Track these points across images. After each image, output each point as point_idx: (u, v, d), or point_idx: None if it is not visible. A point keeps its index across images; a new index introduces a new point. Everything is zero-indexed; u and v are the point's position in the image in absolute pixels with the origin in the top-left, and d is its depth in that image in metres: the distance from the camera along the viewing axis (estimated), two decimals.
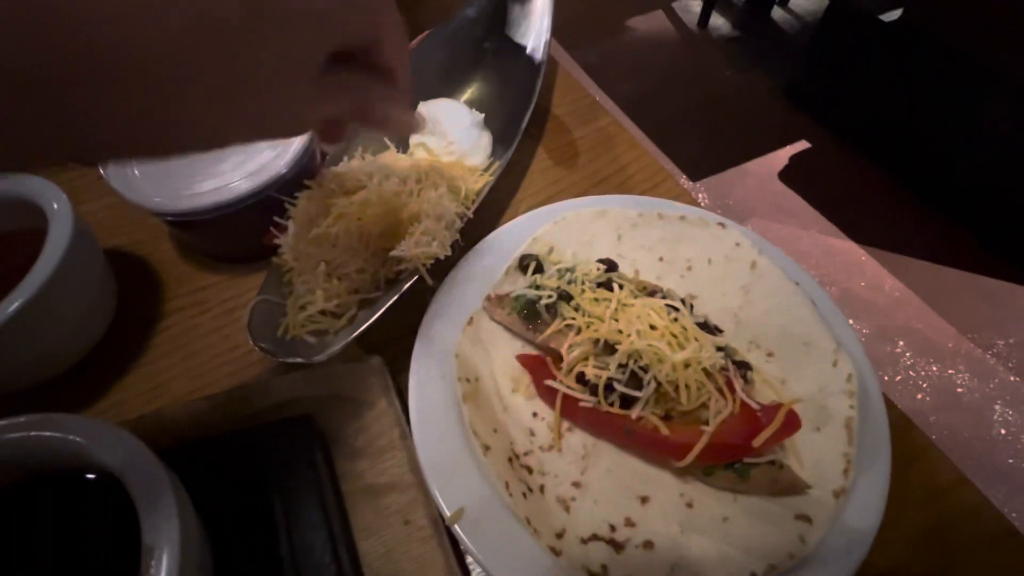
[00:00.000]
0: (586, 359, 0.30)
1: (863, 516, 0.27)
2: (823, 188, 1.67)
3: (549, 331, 0.31)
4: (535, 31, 0.50)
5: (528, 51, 0.49)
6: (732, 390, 0.29)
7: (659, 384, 0.28)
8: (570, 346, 0.30)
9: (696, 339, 0.29)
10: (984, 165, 1.40)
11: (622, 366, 0.28)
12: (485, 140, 0.44)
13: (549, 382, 0.31)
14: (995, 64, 1.26)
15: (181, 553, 0.20)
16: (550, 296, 0.32)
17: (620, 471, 0.29)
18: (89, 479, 0.23)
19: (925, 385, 1.31)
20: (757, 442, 0.26)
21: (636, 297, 0.32)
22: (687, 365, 0.28)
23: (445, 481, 0.28)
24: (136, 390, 0.35)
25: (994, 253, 1.48)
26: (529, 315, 0.33)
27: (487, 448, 0.29)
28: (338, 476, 0.29)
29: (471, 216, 0.37)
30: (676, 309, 0.31)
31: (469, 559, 0.29)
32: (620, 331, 0.30)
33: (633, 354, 0.29)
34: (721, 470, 0.27)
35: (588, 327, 0.30)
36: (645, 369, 0.28)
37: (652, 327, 0.30)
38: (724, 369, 0.29)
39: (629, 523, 0.27)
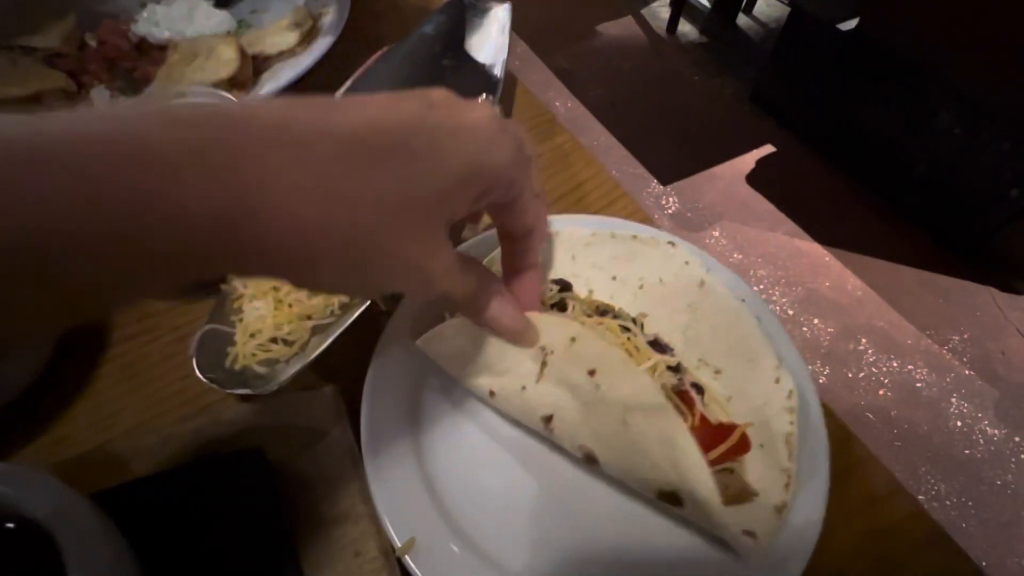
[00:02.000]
0: None
1: (804, 528, 0.28)
2: (788, 191, 1.72)
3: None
4: (493, 48, 0.51)
5: (486, 68, 0.50)
6: (691, 405, 0.29)
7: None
8: None
9: (649, 358, 0.30)
10: (938, 169, 1.46)
11: None
12: None
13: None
14: (944, 72, 1.32)
15: None
16: None
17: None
18: (9, 528, 0.22)
19: (887, 381, 1.36)
20: (710, 456, 0.27)
21: (589, 316, 0.33)
22: None
23: (397, 510, 0.28)
24: (82, 423, 0.34)
25: (949, 252, 1.55)
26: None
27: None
28: (289, 508, 0.29)
29: None
30: (628, 329, 0.32)
31: None
32: None
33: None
34: None
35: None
36: None
37: None
38: (678, 387, 0.30)
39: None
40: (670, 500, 0.26)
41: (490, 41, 0.51)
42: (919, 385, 1.35)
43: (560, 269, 0.37)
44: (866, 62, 1.51)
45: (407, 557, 0.26)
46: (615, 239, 0.38)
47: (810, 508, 0.28)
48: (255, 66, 0.52)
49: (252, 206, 0.16)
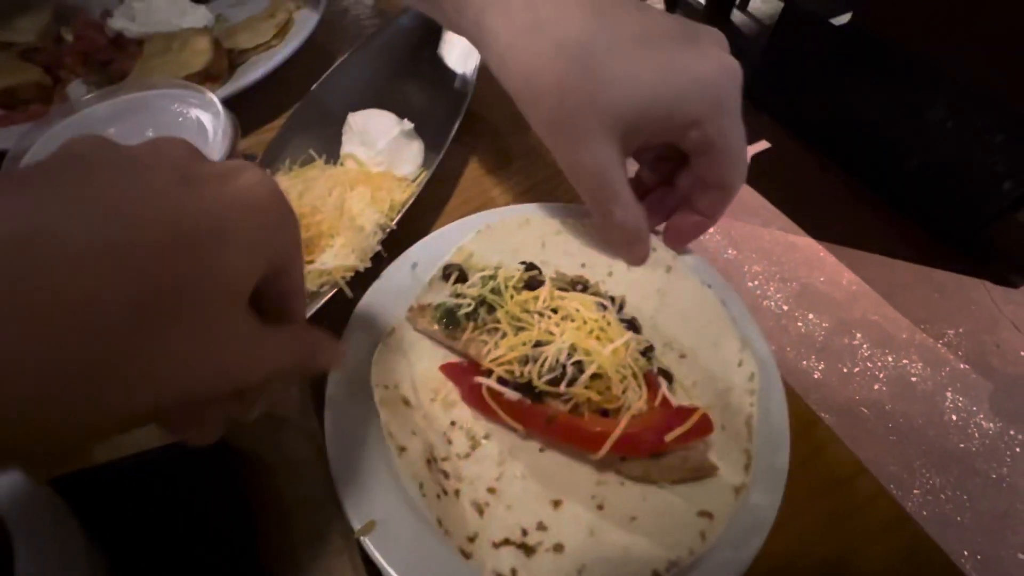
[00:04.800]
0: (509, 362, 0.31)
1: (761, 509, 0.27)
2: (783, 186, 1.72)
3: (465, 337, 0.32)
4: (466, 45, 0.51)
5: (462, 59, 0.50)
6: (654, 388, 0.29)
7: (592, 375, 0.28)
8: (490, 349, 0.31)
9: (621, 335, 0.30)
10: (932, 162, 1.46)
11: (551, 362, 0.29)
12: (415, 149, 0.44)
13: (478, 379, 0.31)
14: (938, 65, 1.31)
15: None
16: (470, 304, 0.33)
17: (534, 477, 0.30)
18: None
19: (882, 375, 1.36)
20: (669, 438, 0.27)
21: (564, 291, 0.33)
22: (616, 357, 0.29)
23: (357, 494, 0.28)
24: None
25: (944, 246, 1.54)
26: (450, 323, 0.33)
27: (403, 450, 0.29)
28: (249, 494, 0.29)
29: (394, 227, 0.37)
30: (604, 307, 0.32)
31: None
32: (551, 332, 0.30)
33: (567, 348, 0.29)
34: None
35: (517, 331, 0.31)
36: (578, 364, 0.29)
37: (584, 321, 0.30)
38: (647, 370, 0.30)
39: (541, 527, 0.28)
40: None
41: None
42: (914, 379, 1.35)
43: (530, 256, 0.37)
44: (859, 56, 1.51)
45: (366, 539, 0.26)
46: (586, 227, 0.38)
47: (769, 489, 0.28)
48: (231, 59, 0.52)
49: None
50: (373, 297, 0.35)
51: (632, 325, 0.33)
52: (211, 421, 0.21)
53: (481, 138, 0.49)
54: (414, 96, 0.49)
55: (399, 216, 0.37)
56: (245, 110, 0.42)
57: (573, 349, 0.29)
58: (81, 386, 0.14)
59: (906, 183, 1.56)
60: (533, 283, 0.33)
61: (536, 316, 0.31)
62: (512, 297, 0.32)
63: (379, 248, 0.35)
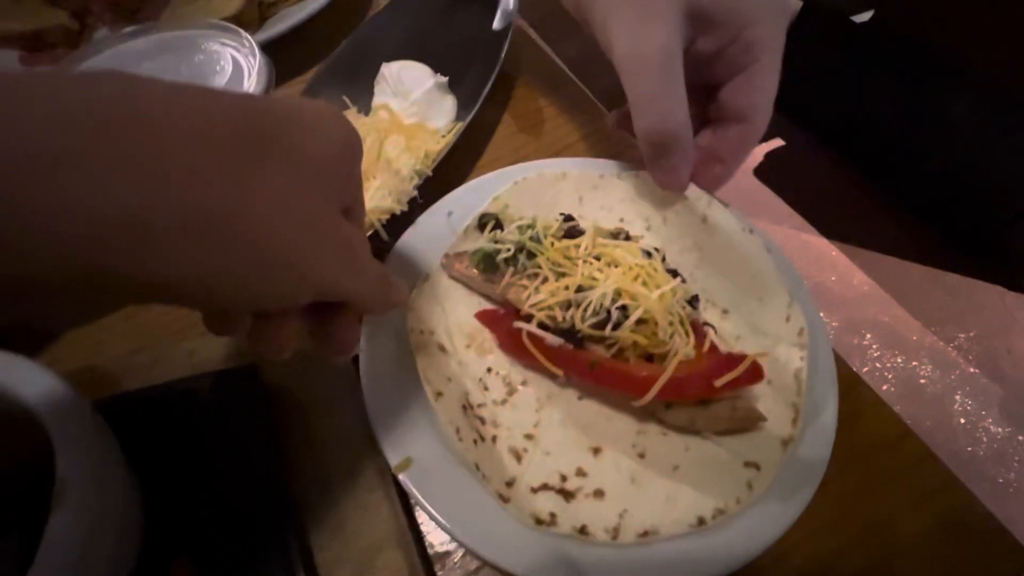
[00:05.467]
0: (551, 307, 0.30)
1: (810, 463, 0.27)
2: (796, 185, 1.71)
3: (504, 281, 0.31)
4: (502, 1, 0.50)
5: (496, 17, 0.49)
6: (701, 335, 0.28)
7: (638, 321, 0.27)
8: (530, 294, 0.30)
9: (667, 282, 0.29)
10: (949, 163, 1.44)
11: (595, 307, 0.28)
12: (448, 103, 0.43)
13: (518, 323, 0.30)
14: (960, 64, 1.30)
15: (98, 486, 0.19)
16: (508, 249, 0.32)
17: (573, 424, 0.29)
18: None
19: (891, 376, 1.35)
20: (719, 383, 0.26)
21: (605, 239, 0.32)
22: (663, 302, 0.28)
23: (393, 431, 0.27)
24: (70, 348, 0.34)
25: (957, 249, 1.53)
26: (488, 268, 0.32)
27: (439, 395, 0.28)
28: (282, 428, 0.28)
29: (430, 174, 0.36)
30: (649, 255, 0.31)
31: (418, 510, 0.28)
32: (594, 277, 0.29)
33: (612, 293, 0.28)
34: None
35: (558, 276, 0.30)
36: (623, 310, 0.28)
37: (629, 267, 0.30)
38: (692, 318, 0.29)
39: (580, 473, 0.27)
40: None
41: None
42: (923, 381, 1.34)
43: (567, 210, 0.36)
44: (879, 54, 1.50)
45: (403, 476, 0.26)
46: (624, 182, 0.37)
47: (817, 444, 0.27)
48: (260, 12, 0.51)
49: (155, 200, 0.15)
50: (408, 243, 0.34)
51: (676, 275, 0.32)
52: (289, 335, 0.22)
53: (514, 98, 0.48)
54: (446, 53, 0.48)
55: (435, 164, 0.36)
56: (274, 62, 0.41)
57: (618, 294, 0.28)
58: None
59: (922, 184, 1.54)
60: (573, 232, 0.32)
61: (579, 263, 0.30)
62: (552, 245, 0.32)
63: (415, 193, 0.35)
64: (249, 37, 0.37)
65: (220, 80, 0.34)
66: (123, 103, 0.15)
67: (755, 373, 0.27)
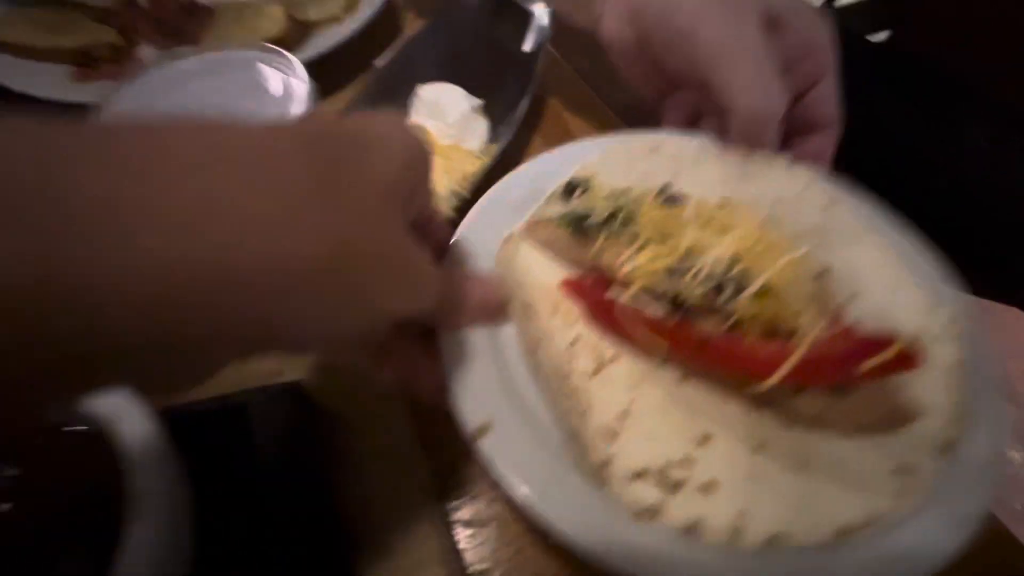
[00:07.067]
0: (653, 272, 0.26)
1: (979, 473, 0.23)
2: None
3: (597, 246, 0.28)
4: (534, 24, 0.51)
5: (529, 38, 0.50)
6: (834, 312, 0.25)
7: (759, 290, 0.24)
8: (628, 259, 0.26)
9: (789, 251, 0.25)
10: (962, 183, 1.44)
11: (707, 272, 0.25)
12: (482, 126, 0.44)
13: (613, 291, 0.27)
14: (976, 85, 1.30)
15: (171, 500, 0.20)
16: (601, 214, 0.29)
17: (675, 407, 0.25)
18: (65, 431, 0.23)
19: None
20: (865, 367, 0.22)
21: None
22: (789, 270, 0.25)
23: (472, 398, 0.26)
24: None
25: (971, 270, 1.52)
26: (577, 232, 0.29)
27: (530, 355, 0.27)
28: (327, 443, 0.29)
29: (468, 196, 0.37)
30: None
31: (458, 527, 0.28)
32: (702, 244, 0.26)
33: (728, 259, 0.25)
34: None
35: (664, 240, 0.27)
36: (739, 279, 0.24)
37: (747, 234, 0.26)
38: (820, 295, 0.26)
39: (687, 462, 0.24)
40: None
41: (532, 17, 0.52)
42: None
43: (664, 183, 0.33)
44: (894, 74, 1.50)
45: (481, 443, 0.24)
46: (723, 159, 0.34)
47: (986, 449, 0.24)
48: (298, 33, 0.53)
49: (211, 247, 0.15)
50: (484, 207, 0.33)
51: None
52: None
53: (544, 119, 0.49)
54: (479, 73, 0.50)
55: (471, 186, 0.38)
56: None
57: (735, 259, 0.24)
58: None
59: (934, 204, 1.53)
60: (674, 199, 0.30)
61: (686, 227, 0.27)
62: (651, 212, 0.28)
63: (453, 215, 0.36)
64: (295, 59, 0.39)
65: (269, 101, 0.36)
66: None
67: (907, 359, 0.22)
